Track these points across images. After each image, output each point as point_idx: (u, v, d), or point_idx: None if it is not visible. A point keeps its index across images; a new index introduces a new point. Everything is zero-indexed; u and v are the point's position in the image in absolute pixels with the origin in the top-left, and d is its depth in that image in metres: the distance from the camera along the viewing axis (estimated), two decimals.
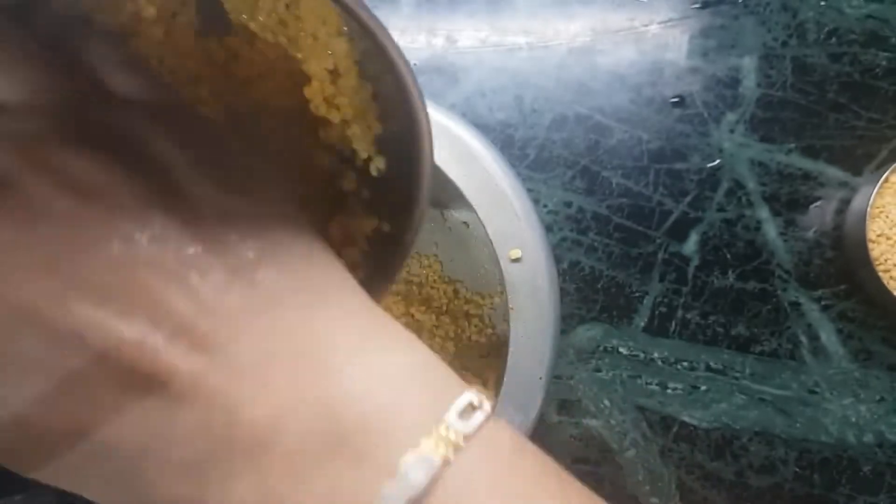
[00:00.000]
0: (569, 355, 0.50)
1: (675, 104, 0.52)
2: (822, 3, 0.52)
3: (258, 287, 0.15)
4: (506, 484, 0.15)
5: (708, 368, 0.50)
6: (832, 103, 0.51)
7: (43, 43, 0.16)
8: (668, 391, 0.50)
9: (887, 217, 0.48)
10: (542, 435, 0.50)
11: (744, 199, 0.51)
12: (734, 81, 0.52)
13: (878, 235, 0.48)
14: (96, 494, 0.15)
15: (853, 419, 0.50)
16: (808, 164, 0.51)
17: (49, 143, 0.14)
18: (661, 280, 0.51)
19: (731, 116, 0.51)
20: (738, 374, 0.50)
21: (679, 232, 0.51)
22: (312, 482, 0.14)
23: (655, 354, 0.50)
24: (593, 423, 0.50)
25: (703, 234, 0.51)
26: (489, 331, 0.44)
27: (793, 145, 0.51)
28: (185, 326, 0.14)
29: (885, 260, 0.48)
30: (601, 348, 0.51)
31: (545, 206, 0.51)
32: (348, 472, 0.14)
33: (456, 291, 0.46)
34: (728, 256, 0.51)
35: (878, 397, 0.50)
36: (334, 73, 0.20)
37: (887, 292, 0.47)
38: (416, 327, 0.45)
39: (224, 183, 0.16)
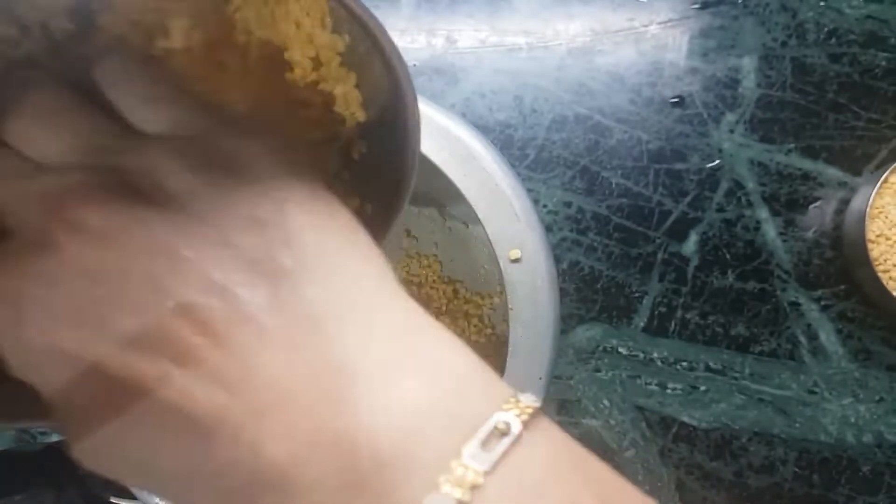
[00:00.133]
0: (568, 355, 0.50)
1: (674, 104, 0.52)
2: (822, 4, 0.52)
3: (278, 313, 0.15)
4: None
5: (707, 368, 0.50)
6: (832, 104, 0.51)
7: (71, 91, 0.17)
8: (668, 391, 0.50)
9: (886, 217, 0.48)
10: None
11: (743, 199, 0.51)
12: (734, 82, 0.52)
13: (878, 236, 0.48)
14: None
15: (852, 419, 0.50)
16: (807, 165, 0.51)
17: (76, 198, 0.15)
18: (661, 280, 0.51)
19: (730, 117, 0.51)
20: (737, 374, 0.50)
21: (679, 232, 0.51)
22: None
23: (655, 354, 0.51)
24: (593, 423, 0.50)
25: (702, 235, 0.51)
26: (489, 331, 0.45)
27: (792, 145, 0.51)
28: (209, 368, 0.14)
29: (885, 260, 0.48)
30: (601, 348, 0.51)
31: (545, 206, 0.51)
32: None
33: (455, 292, 0.46)
34: (727, 256, 0.51)
35: (877, 397, 0.50)
36: (316, 61, 0.20)
37: (886, 292, 0.47)
38: None
39: (247, 200, 0.16)
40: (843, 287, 0.51)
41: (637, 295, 0.51)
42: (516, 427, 0.15)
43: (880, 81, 0.51)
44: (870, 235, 0.47)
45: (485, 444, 0.14)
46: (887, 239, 0.48)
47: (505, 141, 0.52)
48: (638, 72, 0.52)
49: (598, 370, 0.50)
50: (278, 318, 0.15)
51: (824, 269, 0.51)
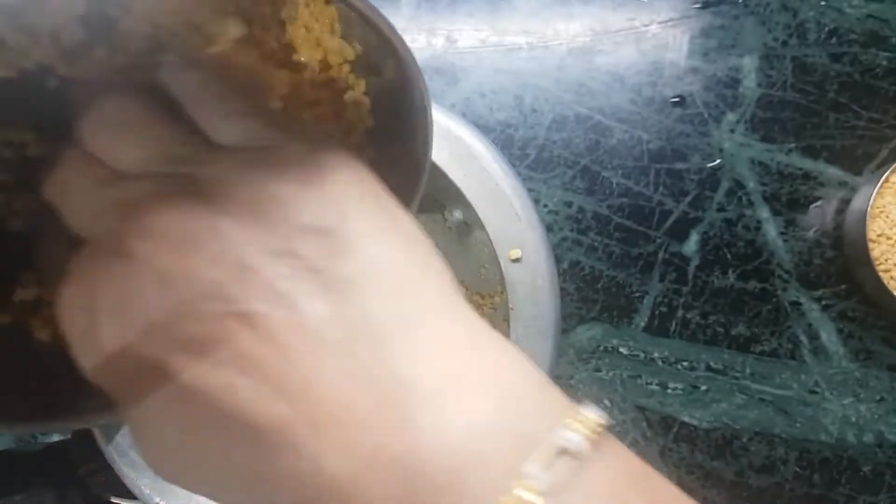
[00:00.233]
0: (569, 355, 0.50)
1: (675, 104, 0.52)
2: (823, 3, 0.52)
3: (340, 325, 0.15)
4: None
5: (708, 368, 0.50)
6: (832, 103, 0.51)
7: (147, 100, 0.17)
8: (669, 391, 0.50)
9: (887, 217, 0.48)
10: None
11: (744, 198, 0.51)
12: (734, 81, 0.52)
13: (879, 235, 0.48)
14: None
15: (853, 419, 0.50)
16: (808, 164, 0.51)
17: (151, 206, 0.15)
18: (662, 280, 0.51)
19: (731, 116, 0.51)
20: (738, 374, 0.50)
21: (679, 232, 0.51)
22: None
23: (655, 354, 0.50)
24: None
25: (703, 234, 0.51)
26: None
27: (793, 145, 0.51)
28: (269, 375, 0.14)
29: (886, 260, 0.48)
30: (601, 348, 0.51)
31: (545, 206, 0.51)
32: None
33: None
34: (728, 256, 0.51)
35: (878, 397, 0.50)
36: (324, 64, 0.20)
37: (887, 292, 0.47)
38: None
39: (310, 209, 0.16)
40: (843, 287, 0.51)
41: (638, 295, 0.51)
42: (581, 446, 0.14)
43: (881, 81, 0.51)
44: (871, 235, 0.47)
45: (547, 464, 0.14)
46: (888, 238, 0.48)
47: (505, 141, 0.51)
48: (638, 71, 0.52)
49: (598, 370, 0.50)
50: (340, 331, 0.15)
51: (825, 268, 0.51)
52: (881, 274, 0.47)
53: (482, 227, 0.39)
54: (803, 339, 0.50)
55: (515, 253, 0.39)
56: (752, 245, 0.51)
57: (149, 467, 0.16)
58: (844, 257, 0.50)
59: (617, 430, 0.50)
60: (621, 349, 0.51)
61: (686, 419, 0.50)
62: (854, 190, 0.51)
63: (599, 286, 0.51)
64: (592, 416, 0.15)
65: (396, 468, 0.14)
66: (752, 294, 0.51)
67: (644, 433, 0.50)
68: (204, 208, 0.15)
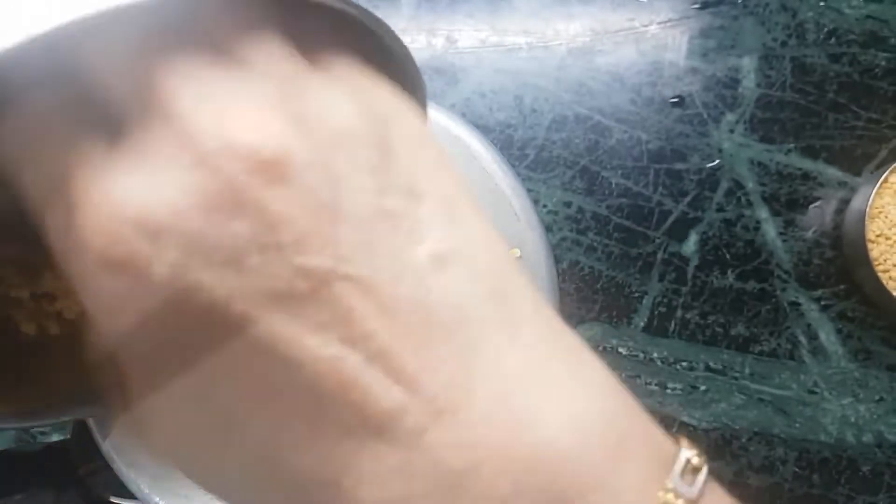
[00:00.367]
0: None
1: (674, 104, 0.52)
2: (822, 4, 0.52)
3: (446, 307, 0.13)
4: None
5: (707, 368, 0.50)
6: (831, 103, 0.51)
7: None
8: (668, 391, 0.50)
9: (886, 217, 0.48)
10: None
11: (743, 199, 0.51)
12: (734, 82, 0.52)
13: (878, 235, 0.48)
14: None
15: (852, 419, 0.50)
16: (807, 165, 0.51)
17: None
18: (661, 280, 0.51)
19: (730, 116, 0.51)
20: (737, 374, 0.50)
21: (678, 232, 0.51)
22: None
23: (655, 354, 0.50)
24: None
25: (702, 234, 0.51)
26: None
27: (792, 145, 0.51)
28: (382, 352, 0.12)
29: (885, 260, 0.48)
30: (600, 348, 0.51)
31: (545, 206, 0.51)
32: None
33: None
34: (727, 256, 0.51)
35: (877, 397, 0.50)
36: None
37: (886, 292, 0.47)
38: None
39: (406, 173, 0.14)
40: (842, 287, 0.51)
41: (637, 295, 0.51)
42: (704, 465, 0.14)
43: (880, 81, 0.51)
44: (870, 235, 0.47)
45: (683, 476, 0.13)
46: (887, 239, 0.48)
47: (505, 141, 0.52)
48: (638, 72, 0.52)
49: None
50: (447, 313, 0.13)
51: (824, 268, 0.51)
52: (880, 274, 0.47)
53: None
54: (802, 339, 0.50)
55: (515, 253, 0.39)
56: (751, 245, 0.51)
57: (159, 450, 0.14)
58: (843, 257, 0.51)
59: None
60: (620, 349, 0.51)
61: (685, 419, 0.50)
62: (853, 190, 0.51)
63: (598, 286, 0.51)
64: (695, 450, 0.14)
65: (530, 464, 0.13)
66: (752, 294, 0.51)
67: None
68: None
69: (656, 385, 0.50)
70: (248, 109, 0.12)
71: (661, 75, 0.52)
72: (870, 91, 0.51)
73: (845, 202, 0.51)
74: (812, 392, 0.50)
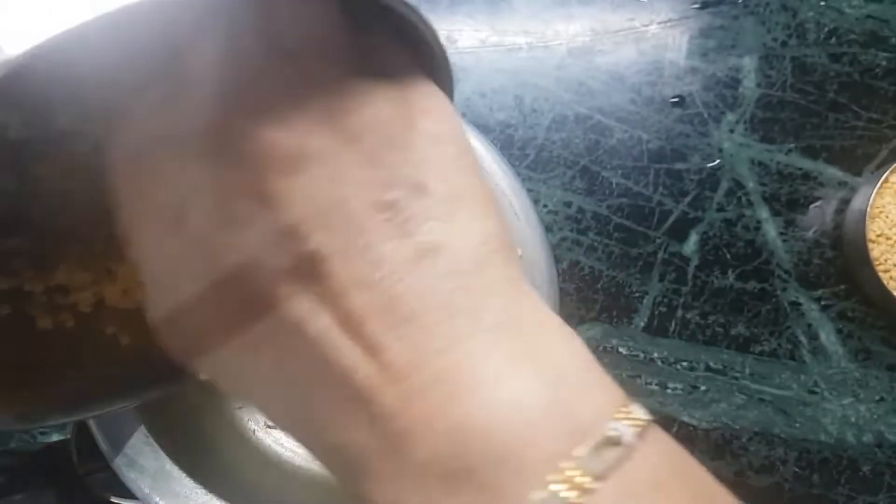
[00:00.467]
0: None
1: (674, 104, 0.52)
2: (822, 4, 0.52)
3: (424, 287, 0.15)
4: None
5: (707, 368, 0.50)
6: (832, 103, 0.51)
7: None
8: (668, 391, 0.50)
9: (887, 217, 0.48)
10: None
11: (743, 199, 0.51)
12: (734, 81, 0.52)
13: (878, 235, 0.48)
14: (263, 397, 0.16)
15: (853, 419, 0.50)
16: (807, 164, 0.51)
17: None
18: (661, 280, 0.51)
19: (730, 116, 0.51)
20: (737, 374, 0.50)
21: (679, 232, 0.51)
22: None
23: (655, 354, 0.50)
24: None
25: (702, 234, 0.51)
26: None
27: (792, 145, 0.51)
28: (350, 317, 0.15)
29: (885, 260, 0.48)
30: (601, 348, 0.50)
31: (545, 206, 0.51)
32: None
33: None
34: (728, 256, 0.51)
35: (877, 397, 0.50)
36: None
37: (887, 292, 0.47)
38: None
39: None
40: (843, 287, 0.51)
41: (637, 295, 0.51)
42: (628, 437, 0.14)
43: (881, 81, 0.51)
44: (870, 235, 0.47)
45: (596, 450, 0.14)
46: (888, 239, 0.48)
47: (505, 141, 0.51)
48: (638, 71, 0.52)
49: None
50: (416, 301, 0.15)
51: (825, 268, 0.51)
52: (881, 274, 0.47)
53: None
54: (803, 339, 0.50)
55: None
56: (751, 245, 0.51)
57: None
58: (844, 257, 0.50)
59: None
60: (621, 349, 0.51)
61: (686, 419, 0.50)
62: (854, 190, 0.51)
63: (599, 286, 0.51)
64: (640, 413, 0.15)
65: (451, 434, 0.14)
66: (752, 294, 0.51)
67: None
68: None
69: (657, 385, 0.50)
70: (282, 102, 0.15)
71: (662, 75, 0.52)
72: (870, 91, 0.51)
73: (846, 202, 0.51)
74: (812, 392, 0.50)
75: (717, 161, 0.51)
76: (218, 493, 0.38)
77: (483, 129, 0.51)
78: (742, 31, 0.52)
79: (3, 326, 0.21)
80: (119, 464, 0.38)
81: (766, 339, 0.50)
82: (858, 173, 0.51)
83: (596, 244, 0.51)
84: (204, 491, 0.37)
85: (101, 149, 0.17)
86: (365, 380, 0.14)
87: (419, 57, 0.17)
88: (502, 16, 0.53)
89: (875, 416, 0.50)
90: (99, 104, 0.17)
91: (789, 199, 0.51)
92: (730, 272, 0.51)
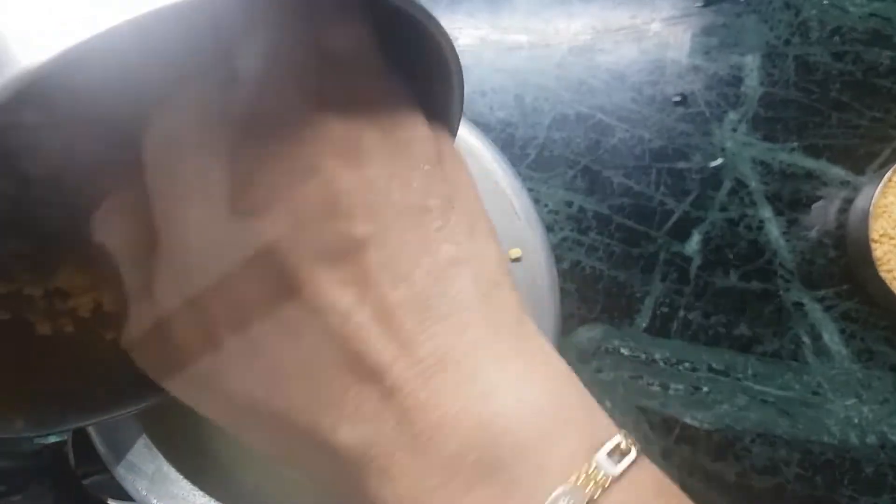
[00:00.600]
0: (569, 356, 0.50)
1: (676, 103, 0.51)
2: (825, 2, 0.52)
3: (450, 296, 0.16)
4: None
5: (710, 369, 0.50)
6: (835, 102, 0.51)
7: None
8: (670, 392, 0.50)
9: (890, 216, 0.47)
10: None
11: (746, 198, 0.51)
12: (736, 80, 0.51)
13: (881, 235, 0.47)
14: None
15: (856, 420, 0.50)
16: (810, 164, 0.51)
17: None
18: (663, 280, 0.51)
19: (733, 115, 0.51)
20: (740, 375, 0.50)
21: (681, 231, 0.51)
22: (466, 499, 0.15)
23: (657, 355, 0.50)
24: None
25: (705, 234, 0.51)
26: None
27: (795, 144, 0.51)
28: (386, 313, 0.15)
29: (888, 260, 0.47)
30: (602, 349, 0.50)
31: (546, 205, 0.51)
32: (501, 497, 0.15)
33: None
34: (730, 256, 0.51)
35: (881, 398, 0.50)
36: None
37: (890, 292, 0.47)
38: None
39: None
40: (846, 287, 0.50)
41: (639, 295, 0.51)
42: (634, 450, 0.16)
43: (884, 80, 0.51)
44: (873, 235, 0.47)
45: (610, 455, 0.15)
46: (891, 238, 0.47)
47: (505, 140, 0.51)
48: (640, 70, 0.52)
49: (599, 371, 0.50)
50: (449, 296, 0.16)
51: (827, 268, 0.51)
52: (884, 274, 0.47)
53: None
54: (806, 339, 0.50)
55: (515, 252, 0.39)
56: (754, 245, 0.51)
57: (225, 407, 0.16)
58: (847, 257, 0.50)
59: None
60: (622, 350, 0.50)
61: (688, 420, 0.50)
62: (857, 189, 0.50)
63: (600, 286, 0.51)
64: (630, 439, 0.16)
65: (479, 430, 0.15)
66: (755, 294, 0.50)
67: (645, 435, 0.50)
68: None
69: (658, 386, 0.50)
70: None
71: (664, 74, 0.52)
72: (873, 89, 0.51)
73: (849, 201, 0.50)
74: (815, 393, 0.50)
75: (720, 160, 0.51)
76: (216, 495, 0.37)
77: (483, 128, 0.50)
78: (745, 29, 0.52)
79: (3, 332, 0.20)
80: (117, 466, 0.38)
81: (768, 339, 0.50)
82: (861, 172, 0.51)
83: (597, 244, 0.51)
84: (202, 493, 0.37)
85: (120, 146, 0.17)
86: (400, 374, 0.15)
87: (431, 62, 0.18)
88: (503, 14, 0.53)
89: (878, 418, 0.50)
90: (124, 106, 0.17)
91: (792, 198, 0.51)
92: (732, 272, 0.51)
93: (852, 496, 0.49)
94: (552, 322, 0.39)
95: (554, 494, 0.14)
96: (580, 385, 0.17)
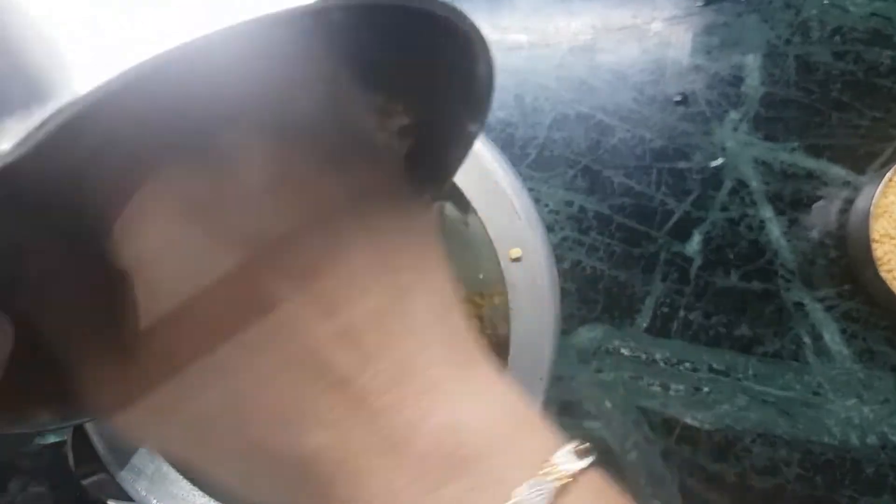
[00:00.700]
0: (570, 356, 0.50)
1: (677, 102, 0.51)
2: (826, 2, 0.52)
3: (408, 314, 0.17)
4: None
5: (710, 369, 0.50)
6: (836, 102, 0.51)
7: None
8: (671, 392, 0.50)
9: (891, 216, 0.47)
10: None
11: (747, 198, 0.51)
12: (737, 80, 0.51)
13: (882, 235, 0.47)
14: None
15: (856, 421, 0.50)
16: (811, 163, 0.51)
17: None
18: (664, 280, 0.51)
19: (734, 115, 0.51)
20: (740, 376, 0.50)
21: (681, 231, 0.51)
22: (437, 497, 0.15)
23: (657, 355, 0.50)
24: (595, 425, 0.50)
25: (705, 234, 0.51)
26: (489, 331, 0.44)
27: (796, 144, 0.51)
28: (351, 326, 0.16)
29: (889, 260, 0.47)
30: (602, 349, 0.50)
31: (546, 205, 0.51)
32: (470, 493, 0.15)
33: None
34: (731, 256, 0.51)
35: (881, 398, 0.50)
36: None
37: (891, 292, 0.47)
38: None
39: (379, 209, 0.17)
40: (847, 287, 0.50)
41: (639, 295, 0.51)
42: (590, 455, 0.17)
43: (885, 79, 0.51)
44: (874, 235, 0.47)
45: (570, 456, 0.16)
46: (891, 238, 0.47)
47: (506, 140, 0.51)
48: (640, 70, 0.52)
49: (599, 371, 0.50)
50: (408, 316, 0.17)
51: (828, 268, 0.50)
52: (884, 274, 0.47)
53: (482, 226, 0.39)
54: (806, 339, 0.50)
55: (516, 252, 0.39)
56: (754, 245, 0.51)
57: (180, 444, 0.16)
58: (848, 257, 0.50)
59: (619, 431, 0.50)
60: (623, 350, 0.50)
61: (688, 421, 0.50)
62: (857, 189, 0.50)
63: (601, 286, 0.51)
64: (583, 447, 0.17)
65: (447, 429, 0.16)
66: (755, 294, 0.50)
67: (646, 435, 0.50)
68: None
69: (659, 386, 0.50)
70: None
71: (664, 73, 0.51)
72: (874, 89, 0.51)
73: (849, 201, 0.50)
74: (816, 393, 0.50)
75: (721, 160, 0.51)
76: (216, 495, 0.37)
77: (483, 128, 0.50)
78: (745, 28, 0.51)
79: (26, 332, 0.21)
80: (116, 467, 0.38)
81: (769, 339, 0.50)
82: (862, 172, 0.51)
83: (598, 244, 0.51)
84: (201, 494, 0.37)
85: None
86: (365, 383, 0.16)
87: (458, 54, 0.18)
88: (503, 13, 0.52)
89: (879, 418, 0.50)
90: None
91: (793, 198, 0.51)
92: (733, 272, 0.51)
93: (853, 497, 0.49)
94: (552, 322, 0.39)
95: (523, 486, 0.15)
96: (532, 404, 0.18)
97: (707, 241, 0.51)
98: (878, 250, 0.47)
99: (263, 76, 0.16)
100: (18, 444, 0.49)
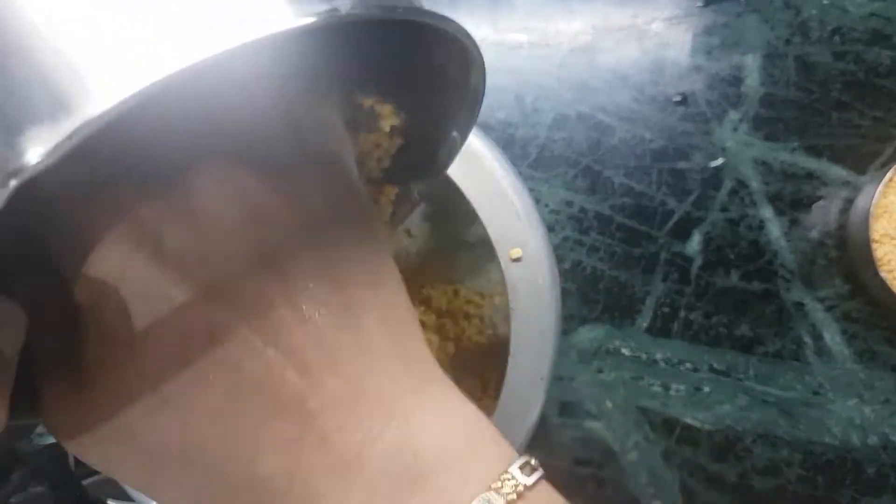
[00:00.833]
0: (570, 356, 0.50)
1: (677, 103, 0.51)
2: (826, 2, 0.52)
3: (360, 332, 0.17)
4: None
5: (711, 369, 0.50)
6: (835, 102, 0.51)
7: None
8: (671, 392, 0.50)
9: (891, 217, 0.47)
10: (543, 437, 0.49)
11: (747, 198, 0.51)
12: (737, 80, 0.51)
13: (882, 235, 0.47)
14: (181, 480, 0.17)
15: (857, 421, 0.50)
16: (811, 163, 0.51)
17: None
18: (664, 280, 0.51)
19: (734, 115, 0.51)
20: (741, 376, 0.50)
21: (682, 231, 0.51)
22: None
23: (658, 355, 0.50)
24: (595, 425, 0.50)
25: (706, 234, 0.51)
26: (489, 331, 0.44)
27: (796, 144, 0.51)
28: (294, 350, 0.16)
29: (889, 260, 0.47)
30: (603, 349, 0.50)
31: (547, 205, 0.51)
32: (428, 503, 0.16)
33: (456, 291, 0.45)
34: (731, 256, 0.51)
35: (882, 398, 0.50)
36: None
37: (891, 293, 0.47)
38: None
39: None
40: (847, 287, 0.50)
41: (640, 295, 0.50)
42: (540, 469, 0.17)
43: (884, 79, 0.51)
44: (874, 235, 0.47)
45: (522, 469, 0.16)
46: (892, 238, 0.47)
47: (506, 140, 0.51)
48: (640, 70, 0.52)
49: (600, 371, 0.50)
50: (361, 333, 0.17)
51: (829, 268, 0.50)
52: (884, 275, 0.47)
53: (482, 226, 0.39)
54: (807, 340, 0.50)
55: (516, 252, 0.39)
56: (755, 245, 0.51)
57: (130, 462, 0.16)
58: (848, 257, 0.50)
59: (619, 432, 0.50)
60: (623, 350, 0.50)
61: (689, 421, 0.50)
62: (857, 189, 0.50)
63: (601, 286, 0.51)
64: (534, 462, 0.17)
65: (399, 448, 0.16)
66: (756, 294, 0.50)
67: (646, 435, 0.50)
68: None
69: (660, 386, 0.50)
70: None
71: (664, 73, 0.51)
72: (874, 89, 0.51)
73: (850, 201, 0.50)
74: (817, 393, 0.50)
75: (721, 160, 0.51)
76: None
77: (484, 128, 0.50)
78: (745, 28, 0.51)
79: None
80: None
81: (770, 339, 0.50)
82: (862, 172, 0.51)
83: (598, 244, 0.51)
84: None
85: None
86: (315, 405, 0.16)
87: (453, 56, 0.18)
88: (503, 13, 0.52)
89: (880, 418, 0.50)
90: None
91: (793, 198, 0.51)
92: (733, 272, 0.51)
93: (854, 497, 0.49)
94: (553, 322, 0.39)
95: (475, 501, 0.15)
96: (486, 418, 0.18)
97: (707, 241, 0.51)
98: (878, 250, 0.47)
99: (228, 102, 0.17)
100: (18, 444, 0.49)
